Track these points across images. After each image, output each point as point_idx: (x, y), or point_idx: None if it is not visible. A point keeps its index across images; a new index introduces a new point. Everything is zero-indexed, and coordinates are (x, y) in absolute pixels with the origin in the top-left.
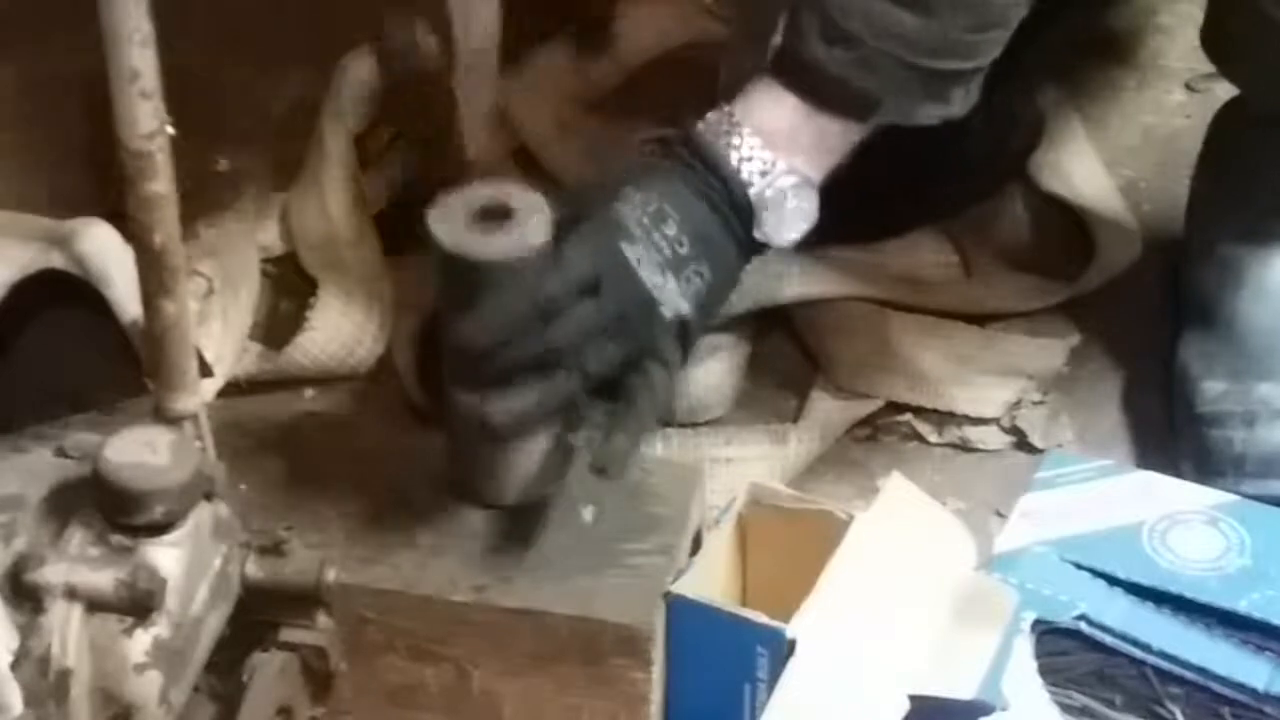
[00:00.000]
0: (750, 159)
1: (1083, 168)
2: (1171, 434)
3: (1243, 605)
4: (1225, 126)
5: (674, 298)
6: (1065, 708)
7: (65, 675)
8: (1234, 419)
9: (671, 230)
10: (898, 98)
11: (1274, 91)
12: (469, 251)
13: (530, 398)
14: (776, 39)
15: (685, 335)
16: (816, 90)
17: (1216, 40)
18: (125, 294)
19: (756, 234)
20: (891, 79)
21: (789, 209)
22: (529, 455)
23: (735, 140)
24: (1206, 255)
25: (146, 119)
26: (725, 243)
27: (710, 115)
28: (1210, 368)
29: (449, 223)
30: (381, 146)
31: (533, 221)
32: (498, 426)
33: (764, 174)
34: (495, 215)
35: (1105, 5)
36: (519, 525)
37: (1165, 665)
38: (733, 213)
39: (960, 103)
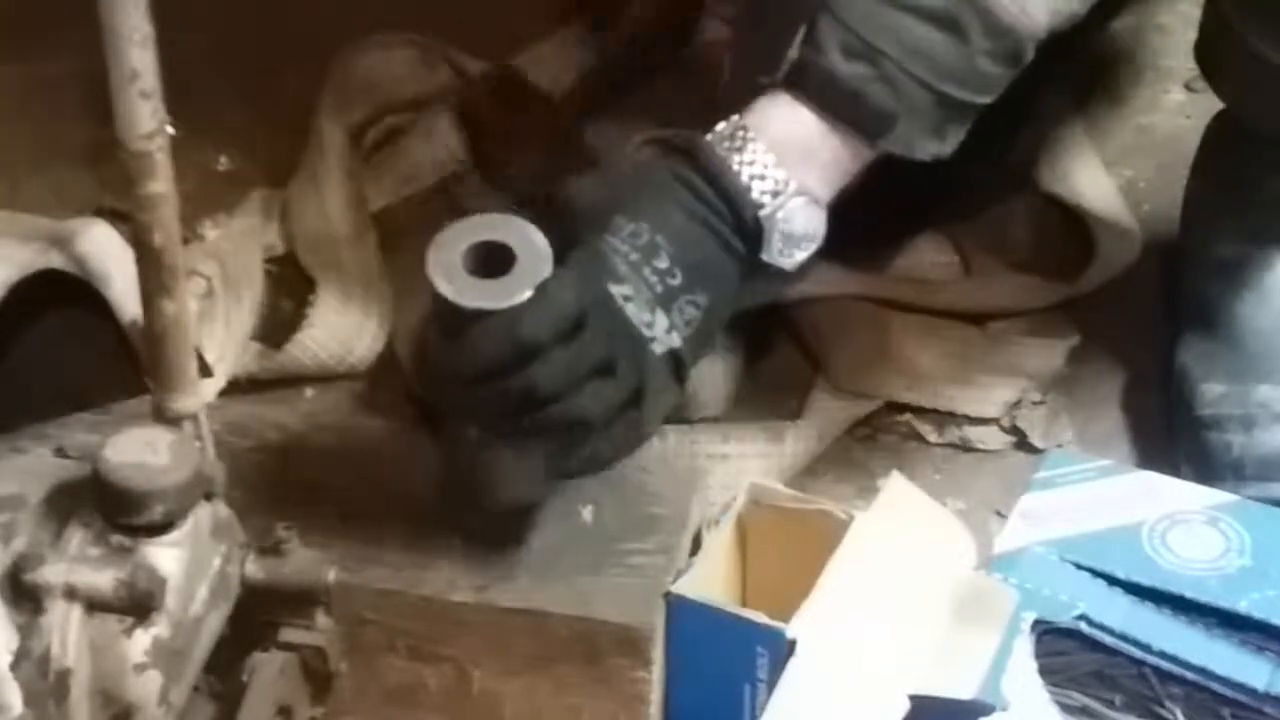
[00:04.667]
0: (763, 177)
1: (1083, 168)
2: (1171, 435)
3: (1243, 605)
4: (1221, 132)
5: (664, 333)
6: (1065, 708)
7: (65, 675)
8: (1233, 422)
9: (663, 263)
10: (910, 121)
11: (1260, 115)
12: (460, 299)
13: (536, 465)
14: (793, 52)
15: (679, 367)
16: (833, 105)
17: (1206, 60)
18: (125, 294)
19: (764, 256)
20: (909, 100)
21: (798, 232)
22: (523, 469)
23: (748, 155)
24: (1204, 258)
25: (146, 119)
26: (722, 265)
27: (720, 127)
28: (1209, 370)
29: (447, 260)
30: (378, 141)
31: (531, 273)
32: (513, 499)
33: (775, 194)
34: (496, 259)
35: (1105, 20)
36: (517, 526)
37: (1165, 665)
38: (735, 233)
39: (952, 142)
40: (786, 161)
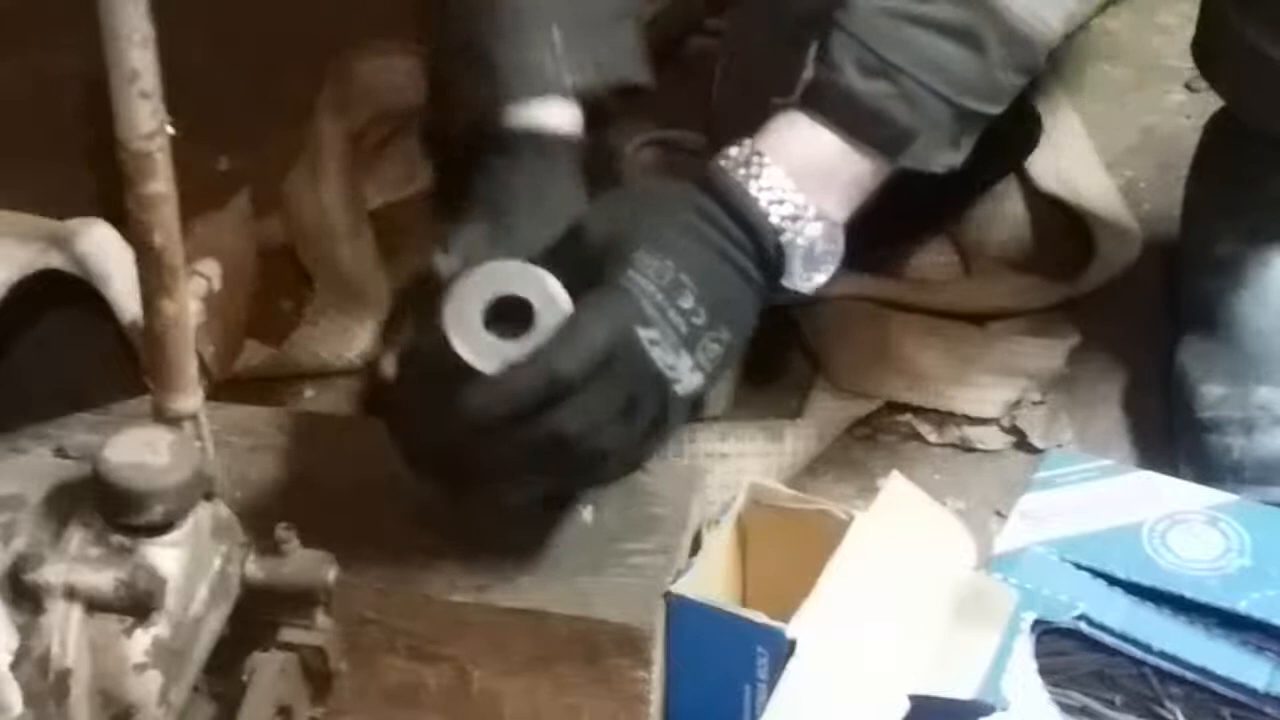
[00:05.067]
0: (781, 202)
1: (1083, 168)
2: (1171, 436)
3: (1243, 605)
4: (1220, 131)
5: (688, 373)
6: (1065, 708)
7: (65, 675)
8: (1233, 425)
9: (688, 303)
10: (930, 137)
11: (1257, 110)
12: (475, 360)
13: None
14: (807, 73)
15: (698, 403)
16: (852, 124)
17: (1204, 56)
18: (125, 294)
19: (784, 282)
20: (928, 115)
21: (817, 255)
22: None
23: (765, 181)
24: (1205, 258)
25: (146, 119)
26: (744, 298)
27: (733, 152)
28: (1209, 371)
29: (466, 320)
30: (377, 143)
31: (548, 330)
32: (515, 506)
33: (795, 219)
34: (514, 313)
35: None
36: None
37: (1165, 665)
38: (756, 264)
39: (965, 151)
40: (805, 185)
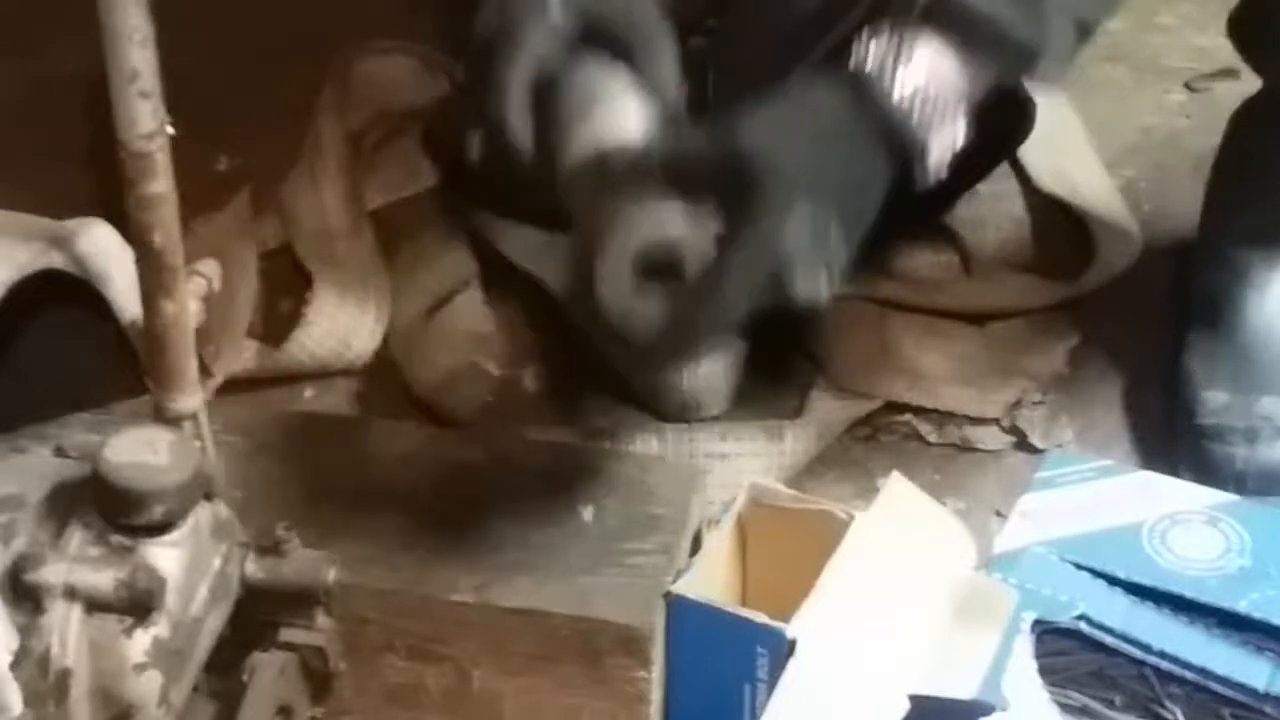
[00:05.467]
0: (924, 103)
1: (1083, 168)
2: (1172, 439)
3: (1243, 605)
4: (1241, 126)
5: (821, 286)
6: (1065, 708)
7: (65, 675)
8: (1235, 434)
9: (835, 234)
10: (1053, 53)
11: None
12: (632, 329)
13: None
14: None
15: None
16: (973, 42)
17: (1247, 39)
18: (125, 294)
19: (916, 176)
20: (1049, 31)
21: (945, 151)
22: None
23: (909, 86)
24: (1216, 258)
25: (146, 119)
26: (876, 203)
27: (874, 49)
28: (1214, 375)
29: (616, 275)
30: (376, 143)
31: (695, 270)
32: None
33: (934, 125)
34: (662, 263)
35: None
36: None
37: (1165, 665)
38: (894, 169)
39: (1071, 69)
40: (940, 89)
